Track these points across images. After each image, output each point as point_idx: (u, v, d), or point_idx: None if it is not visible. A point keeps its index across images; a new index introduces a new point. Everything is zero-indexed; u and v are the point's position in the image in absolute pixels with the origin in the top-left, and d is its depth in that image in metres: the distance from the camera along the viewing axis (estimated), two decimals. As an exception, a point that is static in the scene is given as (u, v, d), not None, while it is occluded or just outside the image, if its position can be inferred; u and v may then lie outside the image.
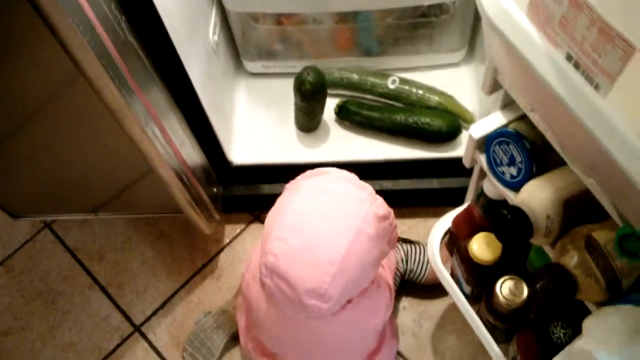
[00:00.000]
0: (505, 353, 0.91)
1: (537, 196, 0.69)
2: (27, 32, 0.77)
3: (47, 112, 0.95)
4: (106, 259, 1.33)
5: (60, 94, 0.91)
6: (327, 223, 0.76)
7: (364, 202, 0.78)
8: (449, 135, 1.14)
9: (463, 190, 1.08)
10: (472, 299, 0.94)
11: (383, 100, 1.20)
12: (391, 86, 1.18)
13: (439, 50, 1.20)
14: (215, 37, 1.10)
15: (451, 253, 0.96)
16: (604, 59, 0.39)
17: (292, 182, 0.86)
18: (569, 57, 0.43)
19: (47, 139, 1.02)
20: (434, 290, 1.18)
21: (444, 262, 0.96)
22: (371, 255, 0.78)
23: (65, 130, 1.00)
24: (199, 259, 1.31)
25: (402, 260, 1.11)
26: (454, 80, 1.24)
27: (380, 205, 0.80)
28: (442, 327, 1.19)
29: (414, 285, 1.17)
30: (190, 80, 0.97)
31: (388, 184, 1.21)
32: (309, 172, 0.84)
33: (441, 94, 1.18)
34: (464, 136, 1.17)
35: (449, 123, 1.13)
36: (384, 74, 1.20)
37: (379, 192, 0.86)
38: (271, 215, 0.80)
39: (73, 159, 1.09)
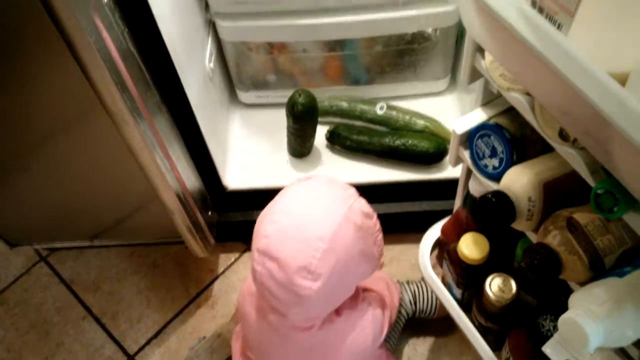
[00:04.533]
0: (499, 357, 0.92)
1: (518, 180, 0.72)
2: (46, 58, 0.82)
3: (55, 141, 0.99)
4: (101, 289, 1.33)
5: (69, 124, 0.95)
6: (317, 206, 0.80)
7: (350, 197, 0.83)
8: (436, 156, 1.18)
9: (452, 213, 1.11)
10: (463, 305, 0.95)
11: (372, 125, 1.25)
12: (379, 112, 1.23)
13: (423, 78, 1.27)
14: (211, 65, 1.16)
15: (441, 260, 0.99)
16: (562, -5, 0.44)
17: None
18: (533, 3, 0.47)
19: (53, 168, 1.06)
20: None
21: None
22: (359, 246, 0.80)
23: (72, 159, 1.04)
24: (193, 288, 1.32)
25: (411, 302, 1.11)
26: (439, 108, 1.29)
27: (365, 205, 0.84)
28: (436, 351, 1.19)
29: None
30: (189, 103, 1.02)
31: (379, 208, 1.23)
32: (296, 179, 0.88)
33: (427, 118, 1.23)
34: (450, 158, 1.21)
35: (435, 144, 1.18)
36: (372, 101, 1.25)
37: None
38: (264, 211, 0.83)
39: (77, 187, 1.12)
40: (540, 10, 0.47)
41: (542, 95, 0.53)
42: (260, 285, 0.81)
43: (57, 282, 1.35)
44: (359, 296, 0.93)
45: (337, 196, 0.83)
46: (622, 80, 0.44)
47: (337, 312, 0.89)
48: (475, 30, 0.57)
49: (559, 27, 0.46)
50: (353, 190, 0.86)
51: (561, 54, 0.44)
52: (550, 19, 0.46)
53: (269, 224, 0.79)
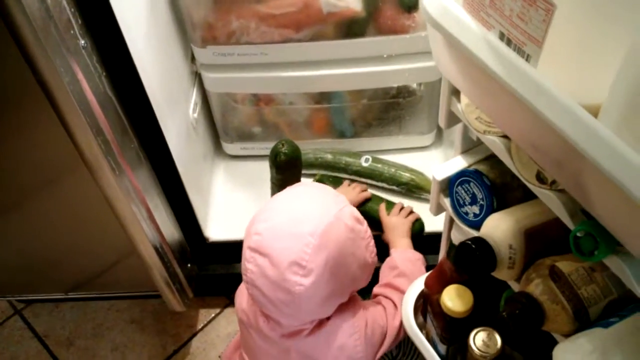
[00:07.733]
0: (485, 417, 0.87)
1: (498, 227, 0.70)
2: (27, 108, 0.81)
3: (32, 194, 0.97)
4: (75, 345, 1.28)
5: (47, 176, 0.94)
6: (308, 205, 0.80)
7: (341, 201, 0.83)
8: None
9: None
10: (448, 362, 0.91)
11: (357, 178, 1.24)
12: (364, 164, 1.22)
13: (408, 132, 1.27)
14: (195, 115, 1.16)
15: (425, 314, 0.95)
16: (529, 26, 0.43)
17: None
18: (501, 36, 0.47)
19: (29, 220, 1.03)
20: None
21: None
22: (351, 248, 0.79)
23: (49, 212, 1.02)
24: (170, 345, 1.27)
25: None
26: (425, 162, 1.29)
27: (355, 211, 0.84)
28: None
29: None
30: (170, 152, 1.01)
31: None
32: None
33: (412, 171, 1.22)
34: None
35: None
36: (357, 154, 1.25)
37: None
38: (255, 213, 0.83)
39: (54, 240, 1.09)
40: (509, 43, 0.46)
41: (512, 129, 0.52)
42: (251, 286, 0.79)
43: (30, 337, 1.30)
44: (353, 305, 0.90)
45: (328, 198, 0.83)
46: (595, 111, 0.43)
47: (328, 317, 0.86)
48: (444, 65, 0.56)
49: (527, 58, 0.45)
50: (343, 197, 0.86)
51: (529, 84, 0.43)
52: (519, 50, 0.46)
53: (261, 222, 0.79)
